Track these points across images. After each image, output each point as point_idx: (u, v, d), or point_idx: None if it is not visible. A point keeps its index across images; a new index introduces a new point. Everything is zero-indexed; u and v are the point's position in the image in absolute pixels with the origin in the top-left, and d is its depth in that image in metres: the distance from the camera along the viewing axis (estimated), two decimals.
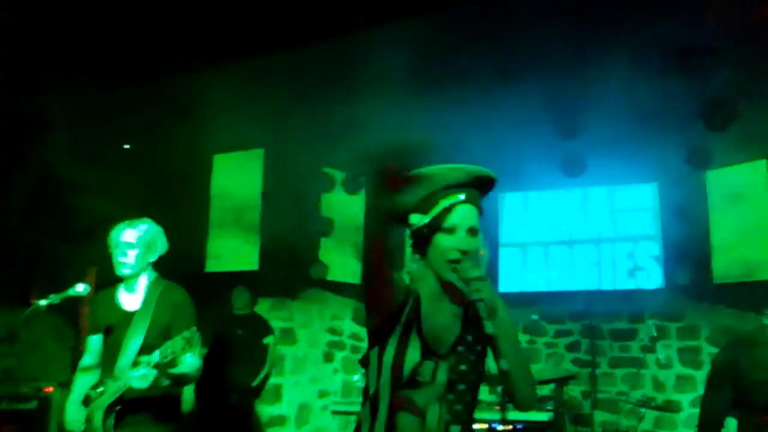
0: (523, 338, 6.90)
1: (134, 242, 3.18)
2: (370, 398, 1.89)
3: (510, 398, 1.95)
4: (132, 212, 3.37)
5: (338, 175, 6.63)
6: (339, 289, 6.76)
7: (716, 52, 4.57)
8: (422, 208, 1.88)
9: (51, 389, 4.57)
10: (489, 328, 1.74)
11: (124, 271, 3.19)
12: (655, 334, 5.48)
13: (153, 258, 3.27)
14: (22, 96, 4.76)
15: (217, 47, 4.71)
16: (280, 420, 6.45)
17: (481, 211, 1.92)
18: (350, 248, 6.61)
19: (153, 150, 5.62)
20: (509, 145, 5.55)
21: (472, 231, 1.87)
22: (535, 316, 6.83)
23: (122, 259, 3.17)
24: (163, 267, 3.38)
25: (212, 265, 6.21)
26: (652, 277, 6.44)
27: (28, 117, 4.99)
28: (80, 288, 3.00)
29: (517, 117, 5.30)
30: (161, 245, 3.29)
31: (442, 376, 1.84)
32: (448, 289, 1.90)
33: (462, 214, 1.87)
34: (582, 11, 4.47)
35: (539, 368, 6.61)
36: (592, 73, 4.94)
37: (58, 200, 5.16)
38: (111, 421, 3.00)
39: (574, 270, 6.78)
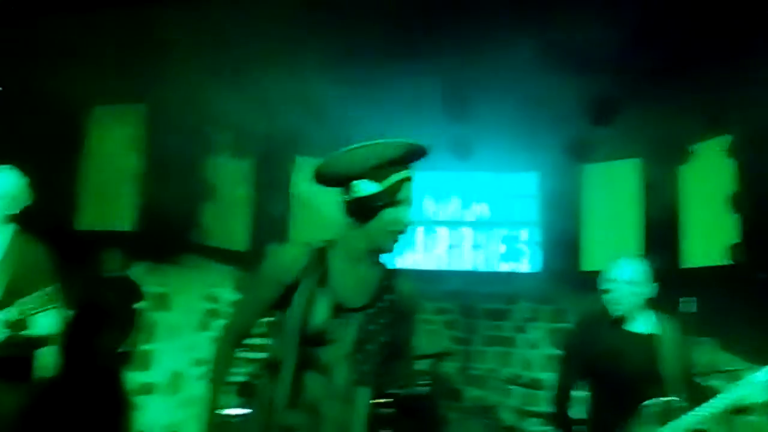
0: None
1: None
2: (271, 361, 1.90)
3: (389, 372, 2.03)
4: (1, 159, 3.11)
5: (225, 139, 6.39)
6: (220, 255, 6.57)
7: (605, 48, 4.76)
8: (373, 177, 1.90)
9: None
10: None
11: None
12: (527, 316, 5.73)
13: (15, 210, 3.04)
14: None
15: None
16: (150, 387, 6.21)
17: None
18: (235, 215, 6.43)
19: (27, 94, 5.17)
20: (399, 125, 5.54)
21: (411, 204, 1.96)
22: None
23: None
24: (31, 222, 3.15)
25: (85, 223, 5.83)
26: (529, 262, 6.73)
27: None
28: None
29: (407, 97, 5.32)
30: (25, 197, 3.09)
31: (351, 333, 1.87)
32: (371, 253, 1.96)
33: (409, 188, 1.94)
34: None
35: (418, 344, 6.75)
36: (486, 60, 5.03)
37: None
38: None
39: (455, 251, 6.96)
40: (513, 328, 6.83)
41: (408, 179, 1.94)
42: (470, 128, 5.88)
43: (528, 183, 6.85)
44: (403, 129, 5.52)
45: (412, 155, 1.96)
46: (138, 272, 5.83)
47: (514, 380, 5.87)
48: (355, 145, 1.93)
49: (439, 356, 5.57)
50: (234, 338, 2.04)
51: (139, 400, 6.05)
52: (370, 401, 1.90)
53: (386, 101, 5.39)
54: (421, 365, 5.59)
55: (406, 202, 1.94)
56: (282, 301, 1.90)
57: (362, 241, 1.94)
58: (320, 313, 1.86)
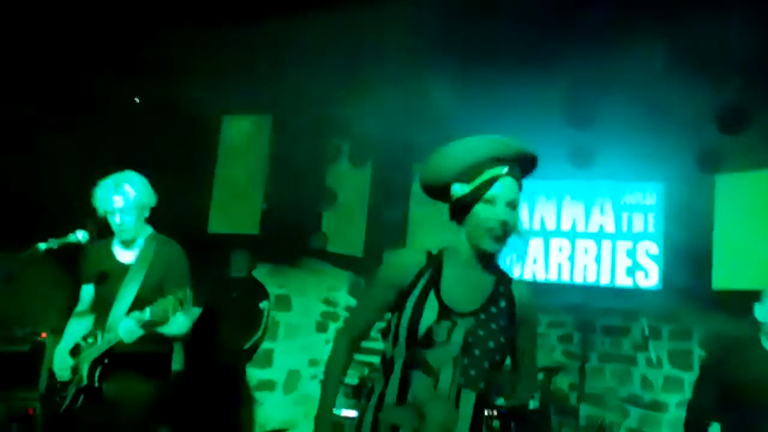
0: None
1: (128, 207, 3.15)
2: (385, 361, 1.95)
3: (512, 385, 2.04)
4: (139, 167, 3.33)
5: (345, 147, 6.60)
6: (337, 260, 6.77)
7: (736, 52, 4.50)
8: (466, 177, 1.93)
9: (45, 335, 4.61)
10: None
11: (125, 237, 3.19)
12: (647, 333, 5.47)
13: (146, 215, 3.25)
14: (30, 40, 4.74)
15: (235, 8, 4.67)
16: (269, 384, 6.50)
17: (521, 188, 1.98)
18: (353, 221, 6.61)
19: (162, 106, 5.60)
20: (518, 131, 5.50)
21: (512, 204, 1.94)
22: None
23: (120, 226, 3.16)
24: (166, 225, 3.38)
25: (215, 227, 6.22)
26: (652, 277, 6.43)
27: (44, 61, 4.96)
28: (80, 235, 2.99)
29: (527, 103, 5.25)
30: (151, 199, 3.25)
31: (458, 336, 1.87)
32: (480, 257, 1.96)
33: (504, 186, 1.92)
34: (605, 4, 4.42)
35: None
36: (609, 66, 4.88)
37: (66, 144, 5.16)
38: (98, 372, 3.01)
39: (573, 263, 6.77)
40: (632, 345, 6.55)
41: (500, 176, 1.92)
42: (593, 136, 5.71)
43: (653, 194, 6.56)
44: (523, 136, 5.51)
45: (505, 152, 1.95)
46: (261, 274, 6.14)
47: (633, 400, 5.62)
48: (445, 148, 1.98)
49: (551, 370, 5.45)
50: (350, 341, 2.09)
51: (259, 395, 6.36)
52: (480, 408, 1.90)
53: (507, 107, 5.36)
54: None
55: (500, 199, 1.92)
56: (396, 305, 1.96)
57: (465, 243, 1.96)
58: (429, 316, 1.88)
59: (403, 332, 1.90)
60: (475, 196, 1.91)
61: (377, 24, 4.61)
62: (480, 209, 1.92)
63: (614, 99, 5.16)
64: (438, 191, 2.02)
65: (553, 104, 5.34)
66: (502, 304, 1.96)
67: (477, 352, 1.87)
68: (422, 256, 2.00)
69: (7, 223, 4.69)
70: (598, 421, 5.92)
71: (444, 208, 2.07)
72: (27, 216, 4.88)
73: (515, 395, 1.94)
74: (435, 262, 1.98)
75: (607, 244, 6.62)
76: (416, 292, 1.92)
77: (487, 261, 1.98)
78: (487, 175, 1.92)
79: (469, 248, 1.96)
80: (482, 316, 1.92)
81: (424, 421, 1.84)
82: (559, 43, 4.58)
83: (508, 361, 2.03)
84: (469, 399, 1.87)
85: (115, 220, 3.15)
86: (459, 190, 1.94)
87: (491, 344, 1.89)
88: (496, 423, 4.99)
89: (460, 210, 1.95)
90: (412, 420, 1.85)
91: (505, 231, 1.93)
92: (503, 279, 2.03)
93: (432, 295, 1.91)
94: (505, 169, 1.93)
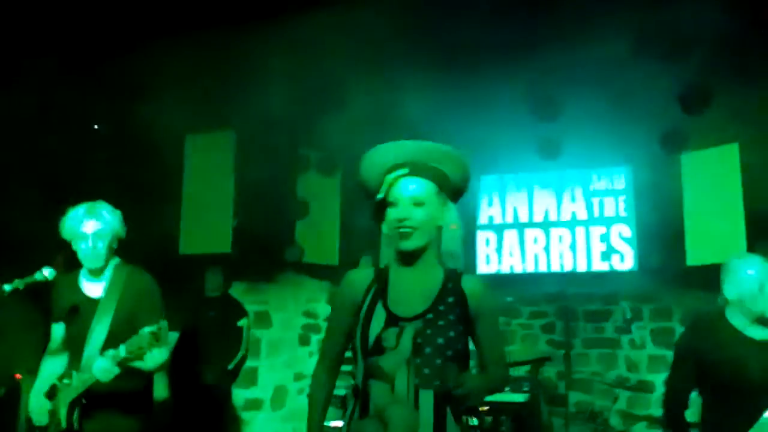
0: (500, 320, 6.93)
1: (101, 233, 3.05)
2: (354, 382, 2.02)
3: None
4: (104, 195, 3.23)
5: (313, 156, 6.54)
6: (314, 271, 6.71)
7: (692, 34, 4.56)
8: (378, 188, 2.03)
9: (19, 377, 4.47)
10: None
11: (95, 264, 3.08)
12: (629, 316, 5.52)
13: (114, 244, 3.14)
14: None
15: (185, 22, 4.59)
16: (256, 403, 6.41)
17: (443, 184, 2.03)
18: (326, 230, 6.55)
19: (122, 130, 5.49)
20: (486, 128, 5.52)
21: (415, 201, 1.99)
22: (510, 298, 6.87)
23: (93, 250, 3.04)
24: (136, 250, 3.28)
25: (186, 248, 6.11)
26: (627, 260, 6.49)
27: None
28: (46, 273, 2.88)
29: (493, 99, 5.27)
30: (122, 229, 3.15)
31: (406, 339, 1.93)
32: (406, 258, 2.03)
33: (403, 187, 2.00)
34: None
35: (515, 349, 6.64)
36: (568, 56, 4.91)
37: (26, 180, 5.03)
38: (77, 414, 2.90)
39: (549, 252, 6.81)
40: (615, 329, 6.60)
41: (400, 178, 2.00)
42: (559, 125, 5.75)
43: (622, 177, 6.62)
44: (491, 130, 5.52)
45: (399, 155, 2.03)
46: (238, 292, 6.04)
47: (620, 383, 5.67)
48: (360, 165, 2.10)
49: (538, 361, 5.47)
50: (325, 369, 2.18)
51: (246, 415, 6.26)
52: (441, 405, 1.92)
53: (473, 103, 5.36)
54: (519, 371, 5.50)
55: (401, 199, 1.99)
56: (356, 324, 2.03)
57: (390, 246, 2.05)
58: (376, 326, 1.96)
59: (358, 347, 1.99)
60: (383, 203, 2.01)
61: (338, 29, 4.57)
62: (389, 213, 2.01)
63: (577, 87, 5.20)
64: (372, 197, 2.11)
65: (517, 97, 5.36)
66: (450, 299, 2.00)
67: (428, 350, 1.92)
68: (369, 272, 2.09)
69: None
70: (588, 408, 5.94)
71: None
72: None
73: (463, 387, 1.89)
74: (382, 276, 2.06)
75: (581, 231, 6.68)
76: (365, 306, 2.01)
77: (429, 262, 2.04)
78: (388, 180, 2.00)
79: (392, 250, 2.05)
80: (429, 316, 1.97)
81: (388, 427, 1.89)
82: (520, 35, 4.59)
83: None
84: (427, 397, 1.90)
85: (88, 245, 3.03)
86: (377, 200, 2.04)
87: (440, 341, 1.93)
88: (487, 418, 4.98)
89: (377, 217, 2.05)
90: (376, 429, 1.90)
91: (411, 227, 1.98)
92: (451, 276, 2.06)
93: (379, 306, 1.99)
94: (404, 171, 2.00)
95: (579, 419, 6.31)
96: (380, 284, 2.05)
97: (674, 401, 3.01)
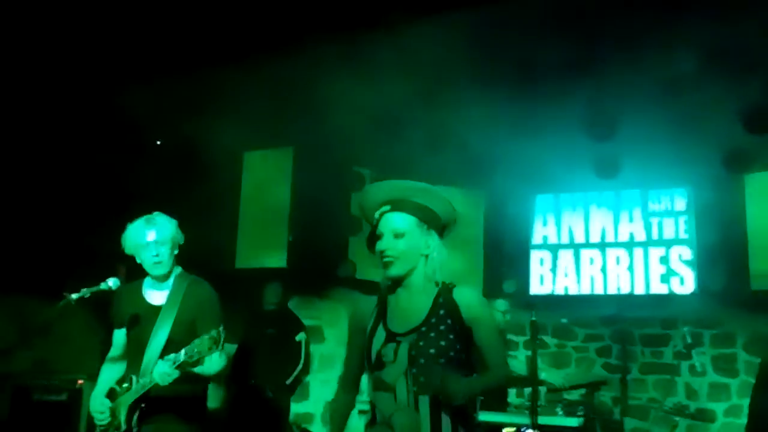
0: (552, 342, 6.82)
1: (162, 240, 3.17)
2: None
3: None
4: (164, 210, 3.35)
5: (367, 174, 6.60)
6: (367, 287, 6.72)
7: (756, 53, 4.44)
8: (370, 221, 2.31)
9: (81, 382, 4.63)
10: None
11: (161, 271, 3.20)
12: (690, 341, 5.35)
13: (176, 252, 3.27)
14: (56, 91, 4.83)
15: (246, 43, 4.72)
16: (307, 418, 6.46)
17: (421, 216, 2.25)
18: None
19: (183, 146, 5.66)
20: (542, 147, 5.48)
21: (396, 233, 2.23)
22: (564, 320, 6.74)
23: (156, 260, 3.17)
24: (195, 263, 3.38)
25: (242, 262, 6.24)
26: (685, 283, 6.30)
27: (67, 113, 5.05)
28: (111, 283, 3.01)
29: (550, 118, 5.22)
30: (181, 236, 3.28)
31: (402, 353, 2.17)
32: (396, 282, 2.26)
33: (386, 221, 2.25)
34: (619, 11, 4.40)
35: (569, 372, 6.50)
36: (628, 74, 4.85)
37: (91, 194, 5.23)
38: (136, 417, 3.00)
39: (606, 274, 6.67)
40: (674, 354, 6.40)
41: (384, 214, 2.25)
42: (617, 144, 5.65)
43: (682, 198, 6.45)
44: (547, 149, 5.47)
45: (387, 193, 2.29)
46: (292, 306, 6.12)
47: (679, 411, 5.47)
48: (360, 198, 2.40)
49: (593, 385, 5.34)
50: (348, 386, 2.42)
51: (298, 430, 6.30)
52: (436, 407, 2.14)
53: (529, 123, 5.34)
54: (574, 395, 5.38)
55: (385, 232, 2.23)
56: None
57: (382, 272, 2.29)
58: (377, 343, 2.20)
59: (366, 365, 2.24)
60: (372, 235, 2.28)
61: (397, 49, 4.61)
62: (377, 245, 2.25)
63: (635, 105, 5.11)
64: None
65: (574, 115, 5.30)
66: (441, 312, 2.21)
67: (422, 360, 2.15)
68: (374, 298, 2.33)
69: (41, 274, 4.75)
70: None
71: (456, 233, 2.39)
72: (60, 266, 4.95)
73: (445, 389, 2.11)
74: (382, 299, 2.31)
75: (639, 252, 6.51)
76: (368, 328, 2.25)
77: (419, 284, 2.26)
78: (375, 216, 2.27)
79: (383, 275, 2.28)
80: (423, 329, 2.19)
81: (394, 430, 2.14)
82: (577, 53, 4.55)
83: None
84: (424, 402, 2.14)
85: (152, 253, 3.16)
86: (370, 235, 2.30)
87: (432, 351, 2.15)
88: None
89: (369, 246, 2.31)
90: None
91: (392, 256, 2.21)
92: (443, 291, 2.26)
93: (380, 326, 2.23)
94: (387, 207, 2.25)
95: None
96: (381, 307, 2.29)
97: (760, 423, 2.84)
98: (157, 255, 3.16)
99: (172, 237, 3.21)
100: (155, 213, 3.26)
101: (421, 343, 2.16)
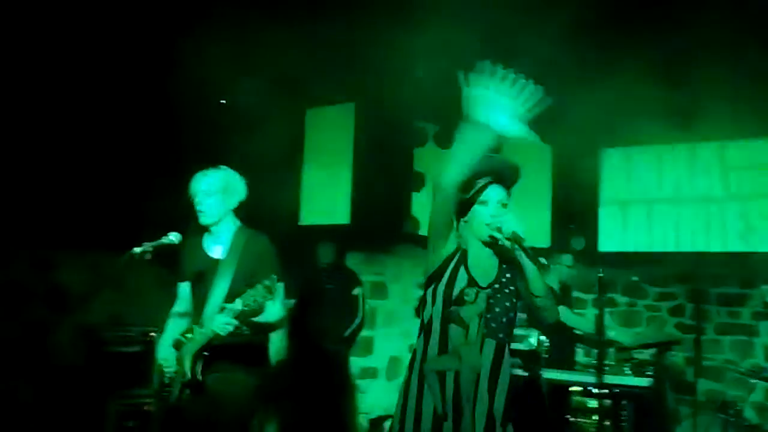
0: (622, 300, 6.64)
1: (211, 189, 3.23)
2: (424, 327, 2.50)
3: (536, 316, 2.56)
4: (233, 167, 3.40)
5: (430, 129, 6.49)
6: None
7: None
8: (466, 188, 2.49)
9: (153, 334, 4.80)
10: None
11: (205, 219, 3.26)
12: None
13: (232, 205, 3.31)
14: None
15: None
16: (371, 372, 6.53)
17: (509, 192, 2.55)
18: None
19: (246, 105, 5.68)
20: (608, 97, 5.23)
21: (503, 203, 2.52)
22: (635, 278, 6.54)
23: (201, 208, 3.24)
24: (259, 221, 3.43)
25: (306, 219, 6.28)
26: (766, 240, 5.98)
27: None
28: (173, 237, 3.07)
29: (616, 65, 4.96)
30: (240, 191, 3.32)
31: (482, 298, 2.46)
32: (485, 244, 2.52)
33: (491, 191, 2.51)
34: None
35: (639, 332, 6.34)
36: (701, 15, 4.53)
37: (157, 153, 5.33)
38: (200, 365, 3.09)
39: (680, 230, 6.40)
40: (752, 314, 6.12)
41: (488, 184, 2.50)
42: (690, 94, 5.35)
43: (760, 150, 6.07)
44: (614, 99, 5.22)
45: (490, 167, 2.49)
46: (355, 262, 6.15)
47: (757, 373, 5.25)
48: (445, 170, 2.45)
49: (664, 345, 5.18)
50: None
51: (362, 383, 6.39)
52: (499, 353, 2.44)
53: (595, 70, 5.09)
54: (644, 355, 5.24)
55: (491, 201, 2.50)
56: (435, 277, 2.51)
57: (471, 234, 2.52)
58: (460, 284, 2.45)
59: (439, 297, 2.45)
60: (472, 201, 2.51)
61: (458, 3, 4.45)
62: (478, 209, 2.50)
63: (713, 49, 4.79)
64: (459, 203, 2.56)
65: (644, 60, 5.01)
66: (508, 275, 2.52)
67: (497, 309, 2.45)
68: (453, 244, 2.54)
69: (116, 229, 4.89)
70: (720, 398, 5.58)
71: (522, 188, 2.63)
72: (134, 221, 5.10)
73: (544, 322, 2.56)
74: (461, 248, 2.53)
75: (715, 208, 6.21)
76: (451, 265, 2.47)
77: (488, 244, 2.49)
78: (478, 185, 2.51)
79: (474, 237, 2.51)
80: (496, 286, 2.49)
81: (461, 362, 2.39)
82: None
83: None
84: (490, 345, 2.43)
85: (197, 203, 3.23)
86: (461, 198, 2.50)
87: (507, 303, 2.48)
88: (606, 402, 4.79)
89: (464, 210, 2.53)
90: (454, 363, 2.40)
91: (497, 227, 2.41)
92: (503, 255, 2.51)
93: (462, 269, 2.47)
94: (490, 178, 2.52)
95: (709, 409, 5.94)
96: (462, 256, 2.51)
97: None
98: (200, 204, 3.23)
99: (223, 189, 3.26)
100: (219, 166, 3.31)
101: (498, 295, 2.47)
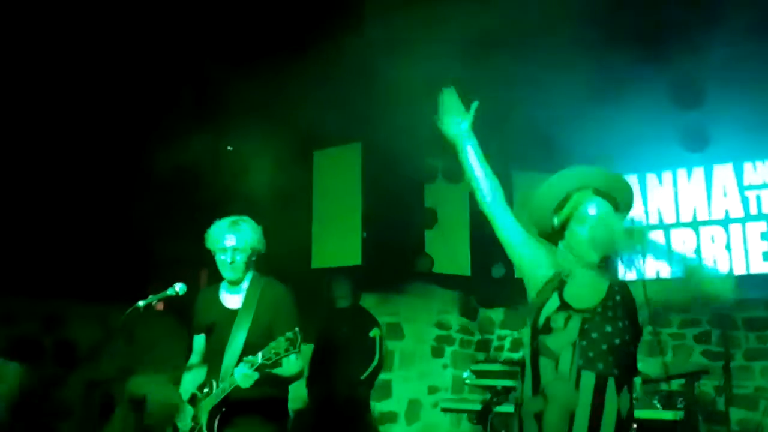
0: (645, 330, 6.45)
1: (240, 246, 3.18)
2: (521, 364, 2.23)
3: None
4: (238, 212, 3.36)
5: (439, 164, 6.43)
6: (445, 281, 6.58)
7: None
8: (558, 208, 2.30)
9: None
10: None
11: (235, 275, 3.19)
12: None
13: (254, 259, 3.26)
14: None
15: (310, 38, 4.64)
16: (391, 416, 6.36)
17: (616, 203, 2.31)
18: (456, 239, 6.40)
19: (254, 151, 5.65)
20: (622, 122, 5.16)
21: (602, 218, 2.24)
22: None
23: (231, 264, 3.18)
24: (271, 265, 3.38)
25: (317, 262, 6.19)
26: None
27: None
28: (177, 288, 3.01)
29: (632, 89, 4.89)
30: (263, 245, 3.28)
31: (574, 323, 2.13)
32: (589, 265, 2.25)
33: (590, 205, 2.26)
34: None
35: (666, 362, 6.14)
36: (715, 36, 4.48)
37: (169, 200, 5.30)
38: (217, 422, 2.99)
39: (700, 254, 6.24)
40: None
41: (587, 199, 2.27)
42: (704, 115, 5.27)
43: None
44: (628, 123, 5.14)
45: (586, 178, 2.30)
46: (369, 304, 6.03)
47: None
48: (536, 194, 2.37)
49: (693, 375, 5.00)
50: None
51: (381, 428, 6.21)
52: (600, 389, 2.07)
53: (615, 95, 5.03)
54: (673, 386, 5.06)
55: (590, 217, 2.25)
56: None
57: (569, 253, 2.29)
58: (547, 309, 2.17)
59: (527, 328, 2.21)
60: (568, 218, 2.28)
61: (462, 31, 4.43)
62: (575, 228, 2.27)
63: (725, 69, 4.73)
64: (546, 233, 2.37)
65: (657, 84, 4.95)
66: (618, 298, 2.19)
67: (595, 335, 2.11)
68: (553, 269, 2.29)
69: (124, 282, 4.83)
70: (753, 427, 5.36)
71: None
72: (142, 273, 5.04)
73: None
74: (562, 276, 2.26)
75: (736, 229, 6.06)
76: (542, 289, 2.23)
77: (600, 266, 2.24)
78: (575, 200, 2.28)
79: (572, 256, 2.27)
80: (599, 309, 2.16)
81: (548, 402, 2.08)
82: (663, 15, 4.24)
83: None
84: (588, 378, 2.07)
85: (227, 257, 3.17)
86: (556, 220, 2.30)
87: (608, 328, 2.12)
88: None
89: (561, 229, 2.30)
90: (538, 405, 2.10)
91: (597, 242, 2.21)
92: (618, 280, 2.27)
93: (555, 295, 2.19)
94: (590, 191, 2.28)
95: None
96: (560, 279, 2.25)
97: None
98: (232, 262, 3.17)
99: (252, 245, 3.22)
100: (242, 217, 3.28)
101: (597, 318, 2.15)
